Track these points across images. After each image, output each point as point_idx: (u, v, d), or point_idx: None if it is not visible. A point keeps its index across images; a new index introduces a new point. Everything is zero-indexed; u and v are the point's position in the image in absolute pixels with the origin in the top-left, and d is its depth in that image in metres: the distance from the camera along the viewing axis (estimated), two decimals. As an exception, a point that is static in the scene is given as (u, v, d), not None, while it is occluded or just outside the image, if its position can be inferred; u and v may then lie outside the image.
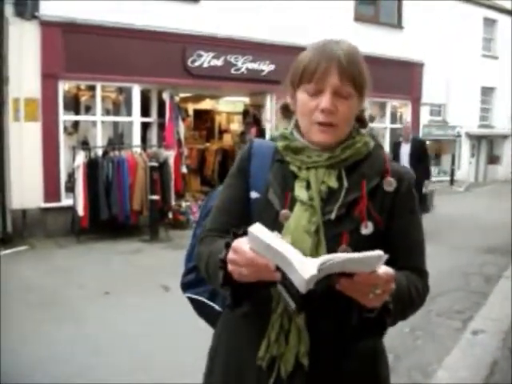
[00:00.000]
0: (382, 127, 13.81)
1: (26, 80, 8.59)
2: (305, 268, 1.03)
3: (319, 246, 1.27)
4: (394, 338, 4.74)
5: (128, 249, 8.09)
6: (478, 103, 24.91)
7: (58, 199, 9.06)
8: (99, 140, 9.52)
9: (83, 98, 9.97)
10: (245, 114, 12.80)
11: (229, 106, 14.39)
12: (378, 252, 1.07)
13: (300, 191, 1.31)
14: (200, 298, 1.63)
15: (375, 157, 1.39)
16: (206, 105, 14.12)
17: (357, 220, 1.29)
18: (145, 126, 10.39)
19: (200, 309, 1.67)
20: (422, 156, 9.32)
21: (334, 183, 1.32)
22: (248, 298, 1.25)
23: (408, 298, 1.30)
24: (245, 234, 1.15)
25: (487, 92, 25.20)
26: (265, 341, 1.30)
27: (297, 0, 11.00)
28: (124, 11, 9.24)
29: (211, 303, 1.59)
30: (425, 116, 19.26)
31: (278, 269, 1.09)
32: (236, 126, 14.46)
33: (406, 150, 9.22)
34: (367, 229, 1.29)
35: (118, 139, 10.39)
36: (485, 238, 9.71)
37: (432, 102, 19.27)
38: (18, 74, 8.53)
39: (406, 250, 1.34)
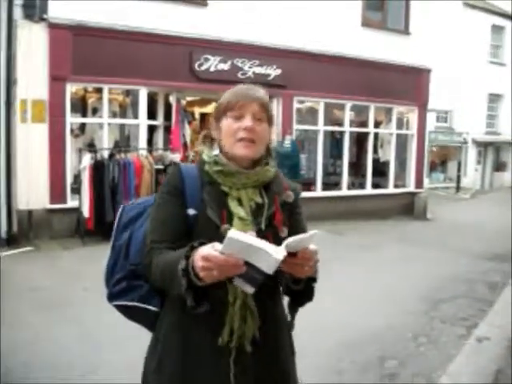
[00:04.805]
0: (388, 133, 13.78)
1: (33, 82, 8.63)
2: (277, 252, 1.34)
3: None
4: (398, 344, 4.73)
5: (133, 251, 8.10)
6: (485, 110, 24.88)
7: (64, 201, 9.08)
8: (105, 142, 9.54)
9: (90, 100, 10.00)
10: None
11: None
12: (316, 231, 1.42)
13: (236, 209, 1.62)
14: (133, 304, 1.78)
15: (277, 177, 1.77)
16: (212, 108, 14.11)
17: (276, 227, 1.66)
18: (151, 129, 10.42)
19: (131, 314, 1.85)
20: None
21: (259, 199, 1.67)
22: (207, 299, 1.47)
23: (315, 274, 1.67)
24: (201, 244, 1.39)
25: (494, 99, 25.16)
26: (226, 329, 1.57)
27: (305, 4, 11.02)
28: (132, 14, 9.29)
29: (146, 306, 1.76)
30: (431, 122, 19.22)
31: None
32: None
33: None
34: (284, 233, 1.65)
35: (124, 142, 10.41)
36: (490, 245, 9.68)
37: (439, 109, 19.23)
38: (26, 76, 8.57)
39: None
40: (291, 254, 1.40)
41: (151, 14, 9.50)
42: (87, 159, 8.68)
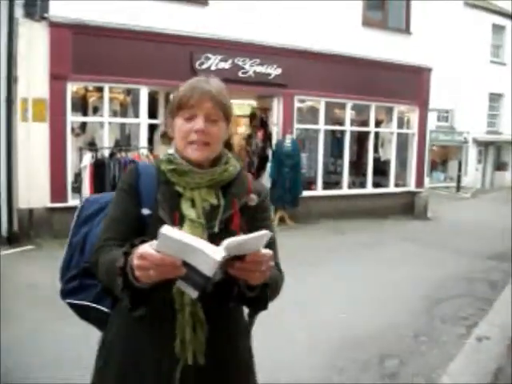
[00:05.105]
0: (389, 132, 13.77)
1: (34, 80, 8.63)
2: (215, 252, 1.23)
3: None
4: (398, 343, 4.73)
5: (133, 250, 8.09)
6: (486, 109, 24.88)
7: (65, 199, 9.09)
8: (106, 141, 9.54)
9: (91, 99, 10.01)
10: (252, 117, 12.82)
11: (236, 109, 14.36)
12: (264, 231, 1.30)
13: (188, 210, 1.53)
14: (85, 303, 1.75)
15: (242, 177, 1.67)
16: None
17: (233, 232, 1.51)
18: (152, 128, 10.42)
19: (83, 313, 1.80)
20: None
21: (214, 201, 1.57)
22: (145, 303, 1.40)
23: (275, 281, 1.57)
24: (142, 243, 1.31)
25: (495, 98, 25.15)
26: (178, 339, 1.49)
27: (305, 4, 11.02)
28: (133, 13, 9.28)
29: (97, 306, 1.73)
30: (432, 122, 19.21)
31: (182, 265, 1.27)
32: (243, 128, 14.47)
33: None
34: None
35: (124, 140, 10.41)
36: (490, 244, 9.68)
37: (439, 108, 19.23)
38: (27, 75, 8.57)
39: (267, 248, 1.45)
40: (240, 258, 1.31)
41: (152, 13, 9.50)
42: (88, 158, 8.67)
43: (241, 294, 1.46)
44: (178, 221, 1.51)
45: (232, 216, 1.57)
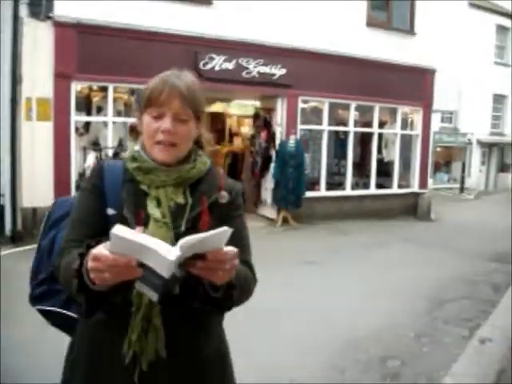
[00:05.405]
0: (393, 133, 13.76)
1: (38, 80, 8.66)
2: (169, 252, 1.18)
3: None
4: (400, 344, 4.73)
5: (136, 249, 8.10)
6: (490, 111, 24.83)
7: (68, 199, 9.10)
8: (110, 141, 9.57)
9: (95, 99, 10.02)
10: (255, 117, 12.82)
11: (240, 109, 14.39)
12: (224, 228, 1.23)
13: (153, 210, 1.47)
14: (54, 309, 1.71)
15: (212, 175, 1.60)
16: (217, 108, 14.13)
17: (201, 231, 1.38)
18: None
19: (53, 319, 1.76)
20: None
21: (181, 200, 1.51)
22: (101, 307, 1.38)
23: (245, 281, 1.50)
24: (98, 243, 1.25)
25: (499, 99, 25.10)
26: (126, 341, 1.44)
27: (310, 4, 11.02)
28: (137, 13, 9.30)
29: (66, 312, 1.69)
30: (436, 123, 19.19)
31: (138, 266, 1.22)
32: (246, 129, 14.48)
33: None
34: None
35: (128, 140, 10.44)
36: (493, 246, 9.67)
37: (443, 109, 19.18)
38: (31, 74, 8.60)
39: (237, 247, 1.36)
40: (201, 256, 1.25)
41: (156, 13, 9.51)
42: (92, 158, 8.71)
43: (206, 293, 1.40)
44: (143, 221, 1.44)
45: (200, 214, 1.50)
